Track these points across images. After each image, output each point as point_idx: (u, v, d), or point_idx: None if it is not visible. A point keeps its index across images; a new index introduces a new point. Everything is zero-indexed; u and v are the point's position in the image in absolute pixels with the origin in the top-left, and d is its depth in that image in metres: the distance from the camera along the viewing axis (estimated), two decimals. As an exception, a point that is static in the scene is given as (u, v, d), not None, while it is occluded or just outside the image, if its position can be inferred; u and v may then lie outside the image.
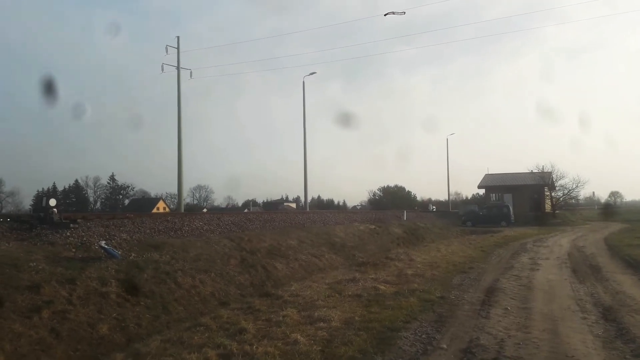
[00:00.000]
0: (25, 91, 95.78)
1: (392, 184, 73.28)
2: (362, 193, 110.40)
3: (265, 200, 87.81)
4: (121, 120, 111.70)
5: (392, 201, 63.64)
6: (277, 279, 13.51)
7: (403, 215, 35.51)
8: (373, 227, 25.72)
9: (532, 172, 50.78)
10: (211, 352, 6.43)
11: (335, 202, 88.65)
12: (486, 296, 10.49)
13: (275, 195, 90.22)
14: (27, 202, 65.09)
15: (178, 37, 34.29)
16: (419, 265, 15.35)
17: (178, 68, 33.55)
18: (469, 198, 78.21)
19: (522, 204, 50.59)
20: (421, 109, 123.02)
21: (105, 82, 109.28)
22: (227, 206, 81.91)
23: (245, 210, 51.14)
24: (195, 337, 7.27)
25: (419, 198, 76.08)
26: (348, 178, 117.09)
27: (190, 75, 35.04)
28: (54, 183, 72.76)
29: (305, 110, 38.19)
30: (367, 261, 16.56)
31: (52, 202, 12.02)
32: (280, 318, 8.31)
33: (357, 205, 79.26)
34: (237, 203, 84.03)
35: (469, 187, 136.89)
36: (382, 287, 11.24)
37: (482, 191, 61.44)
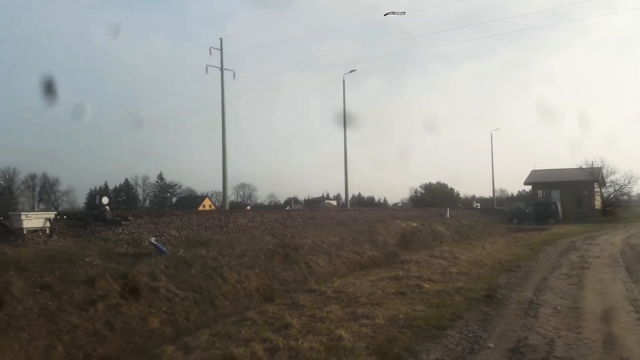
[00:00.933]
0: (77, 94, 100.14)
1: (434, 181, 72.21)
2: (403, 190, 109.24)
3: (306, 198, 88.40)
4: (168, 120, 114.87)
5: (434, 198, 62.63)
6: (320, 275, 13.60)
7: (446, 212, 34.96)
8: (415, 224, 25.43)
9: (581, 168, 48.72)
10: (258, 347, 6.57)
11: (376, 200, 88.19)
12: (534, 295, 10.22)
13: (316, 193, 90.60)
14: (80, 201, 68.15)
15: (221, 39, 34.92)
16: (463, 264, 15.10)
17: (221, 69, 34.19)
18: (514, 195, 76.00)
19: (571, 200, 48.72)
20: (464, 104, 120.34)
21: (153, 85, 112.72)
22: (269, 204, 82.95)
23: (287, 208, 51.65)
24: (242, 332, 7.45)
25: (462, 195, 74.57)
26: (388, 175, 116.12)
27: (234, 76, 35.59)
28: (106, 182, 75.76)
29: (346, 107, 38.21)
30: (409, 259, 16.41)
31: (105, 200, 12.56)
32: (324, 314, 8.39)
33: (398, 203, 78.50)
34: (279, 201, 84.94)
35: (514, 184, 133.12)
36: (426, 285, 11.14)
37: (528, 188, 59.62)
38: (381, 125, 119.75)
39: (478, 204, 59.01)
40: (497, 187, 68.72)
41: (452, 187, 73.07)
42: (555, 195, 50.41)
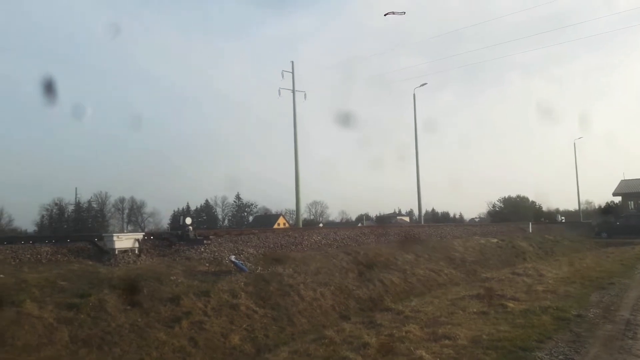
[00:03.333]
0: (160, 122, 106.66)
1: (513, 194, 68.89)
2: (479, 204, 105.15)
3: (377, 215, 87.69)
4: (244, 141, 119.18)
5: (514, 212, 59.64)
6: (396, 293, 13.36)
7: (528, 227, 33.20)
8: (495, 240, 24.36)
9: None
10: (337, 366, 6.55)
11: (451, 215, 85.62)
12: (631, 315, 9.42)
13: (387, 209, 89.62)
14: (165, 221, 71.98)
15: (292, 62, 36.02)
16: (550, 281, 14.23)
17: (293, 91, 35.17)
18: (602, 207, 70.63)
19: (667, 212, 44.53)
20: (543, 113, 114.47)
21: (229, 109, 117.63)
22: (341, 221, 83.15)
23: (359, 225, 51.47)
24: (321, 350, 7.45)
25: (544, 208, 70.41)
26: (464, 189, 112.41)
27: (305, 97, 36.48)
28: (187, 203, 79.60)
29: (417, 122, 37.74)
30: (491, 277, 15.73)
31: (188, 220, 13.18)
32: (403, 334, 8.20)
33: (475, 218, 75.66)
34: (350, 218, 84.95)
35: (601, 195, 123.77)
36: (510, 304, 10.59)
37: (617, 199, 55.29)
38: (455, 139, 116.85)
39: (562, 218, 55.49)
40: (582, 199, 64.47)
41: (534, 200, 69.33)
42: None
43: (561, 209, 68.37)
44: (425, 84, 39.20)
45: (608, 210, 49.80)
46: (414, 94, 38.05)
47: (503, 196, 68.97)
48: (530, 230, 32.48)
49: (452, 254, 19.25)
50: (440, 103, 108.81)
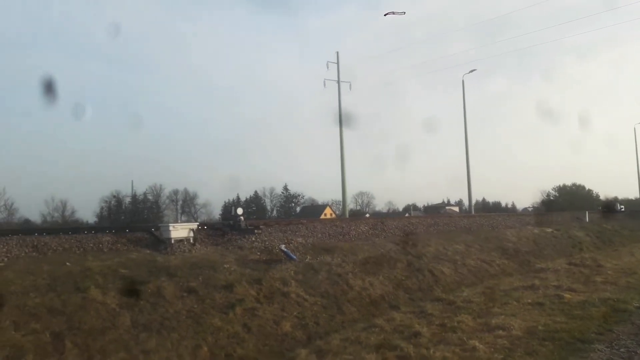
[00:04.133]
0: (209, 116, 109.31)
1: (568, 182, 66.18)
2: (533, 194, 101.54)
3: (425, 205, 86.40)
4: (292, 133, 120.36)
5: (569, 201, 57.30)
6: (446, 284, 13.20)
7: (585, 216, 31.81)
8: (550, 230, 23.52)
9: None
10: (389, 354, 6.58)
11: (503, 205, 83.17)
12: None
13: (435, 199, 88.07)
14: (216, 212, 73.85)
15: (337, 53, 35.81)
16: (609, 272, 13.65)
17: (338, 82, 35.03)
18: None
19: None
20: (599, 97, 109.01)
21: (277, 101, 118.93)
22: (387, 211, 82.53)
23: (406, 215, 50.93)
24: (372, 338, 7.49)
25: (602, 197, 67.21)
26: (515, 178, 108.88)
27: (350, 88, 36.25)
28: (238, 194, 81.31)
29: (466, 109, 36.85)
30: (545, 267, 15.27)
31: (240, 211, 13.50)
32: (455, 324, 8.12)
33: (529, 207, 73.11)
34: (397, 208, 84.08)
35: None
36: (566, 295, 10.26)
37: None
38: (507, 125, 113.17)
39: (622, 206, 52.77)
40: (644, 187, 60.86)
41: (590, 188, 66.32)
42: None
43: (620, 197, 65.10)
44: (475, 70, 37.91)
45: None
46: (463, 81, 37.11)
47: (557, 185, 66.49)
48: (587, 220, 31.12)
49: (505, 244, 18.77)
50: (491, 90, 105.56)
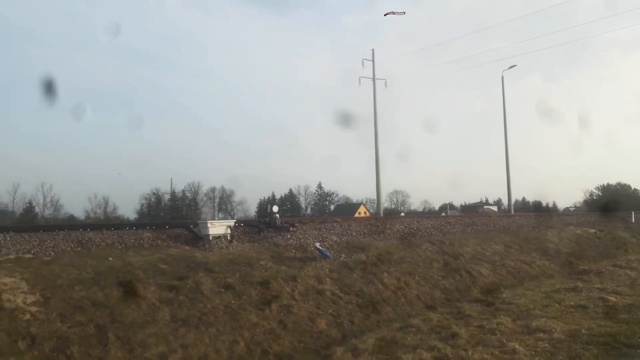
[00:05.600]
0: (241, 114, 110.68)
1: (613, 182, 63.60)
2: (575, 193, 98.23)
3: (463, 204, 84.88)
4: (327, 131, 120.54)
5: (614, 201, 55.05)
6: (484, 285, 12.94)
7: (631, 216, 30.52)
8: (593, 231, 22.72)
9: None
10: (425, 354, 6.50)
11: (544, 204, 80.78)
12: None
13: (473, 198, 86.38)
14: (252, 210, 74.81)
15: (373, 50, 35.62)
16: (658, 275, 13.06)
17: (374, 79, 34.85)
18: None
19: None
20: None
21: (315, 100, 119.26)
22: (423, 210, 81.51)
23: (443, 214, 50.16)
24: (408, 338, 7.42)
25: (649, 197, 64.31)
26: (557, 177, 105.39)
27: (385, 85, 35.98)
28: (273, 192, 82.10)
29: (506, 106, 36.01)
30: (589, 269, 14.74)
31: (275, 208, 13.59)
32: (494, 325, 7.94)
33: (570, 207, 70.81)
34: (433, 207, 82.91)
35: None
36: (611, 298, 9.88)
37: None
38: (547, 122, 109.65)
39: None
40: (697, 187, 57.95)
41: (637, 188, 63.55)
42: None
43: (670, 197, 62.04)
44: (515, 65, 36.86)
45: None
46: (502, 77, 36.26)
47: (602, 184, 64.05)
48: (634, 221, 29.85)
49: (546, 244, 18.24)
50: (531, 86, 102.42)
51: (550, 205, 78.64)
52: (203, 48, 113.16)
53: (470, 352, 6.43)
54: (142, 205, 71.33)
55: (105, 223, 22.53)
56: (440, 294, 11.57)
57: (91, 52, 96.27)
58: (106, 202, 64.82)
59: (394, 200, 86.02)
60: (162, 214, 68.98)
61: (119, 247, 10.43)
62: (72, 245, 9.99)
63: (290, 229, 13.10)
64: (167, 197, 73.37)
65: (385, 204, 68.70)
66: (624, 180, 63.67)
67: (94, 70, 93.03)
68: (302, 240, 12.63)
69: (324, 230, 14.17)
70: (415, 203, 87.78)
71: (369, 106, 34.98)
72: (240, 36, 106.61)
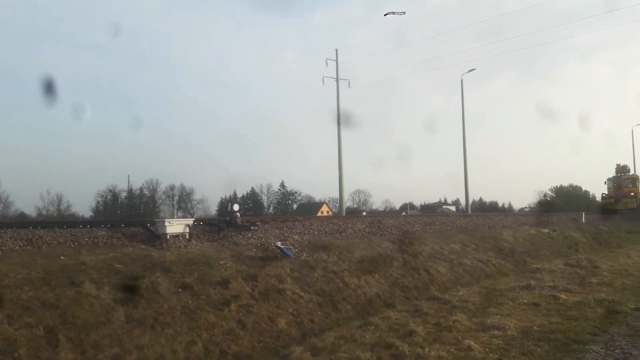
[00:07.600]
0: (207, 110, 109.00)
1: (565, 183, 66.31)
2: (529, 194, 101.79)
3: (422, 204, 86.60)
4: (290, 130, 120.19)
5: (566, 202, 57.40)
6: (442, 283, 13.22)
7: (581, 217, 31.92)
8: (546, 230, 23.59)
9: None
10: (383, 352, 6.55)
11: (500, 205, 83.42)
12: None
13: (432, 199, 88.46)
14: (213, 208, 73.89)
15: (336, 50, 35.64)
16: (605, 273, 13.67)
17: (337, 79, 34.92)
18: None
19: None
20: (601, 98, 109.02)
21: (279, 98, 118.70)
22: (384, 210, 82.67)
23: (403, 214, 50.94)
24: (367, 336, 7.47)
25: (598, 198, 67.37)
26: (512, 178, 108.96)
27: (349, 85, 36.09)
28: (235, 191, 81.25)
29: (464, 109, 36.85)
30: (541, 268, 15.25)
31: (236, 207, 13.43)
32: (450, 323, 8.10)
33: (525, 208, 73.25)
34: (394, 207, 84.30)
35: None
36: (562, 295, 10.27)
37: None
38: (506, 125, 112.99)
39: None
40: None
41: (587, 189, 66.48)
42: None
43: (617, 199, 65.09)
44: (474, 69, 37.86)
45: None
46: (462, 80, 37.09)
47: (554, 185, 66.64)
48: (584, 221, 31.22)
49: (501, 244, 18.80)
50: (491, 90, 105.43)
51: (506, 205, 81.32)
52: (168, 44, 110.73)
53: (427, 350, 6.53)
54: (98, 203, 69.34)
55: (57, 221, 21.67)
56: (399, 292, 11.73)
57: (43, 45, 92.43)
58: (60, 199, 62.63)
59: (356, 199, 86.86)
60: (119, 212, 67.22)
61: (72, 246, 10.05)
62: (21, 244, 9.56)
63: (252, 227, 12.97)
64: (124, 194, 71.53)
65: (347, 203, 69.20)
66: (577, 182, 66.36)
67: (39, 60, 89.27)
68: (263, 240, 12.53)
69: (286, 229, 14.11)
70: (377, 202, 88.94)
71: (334, 105, 35.08)
72: (207, 35, 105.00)
